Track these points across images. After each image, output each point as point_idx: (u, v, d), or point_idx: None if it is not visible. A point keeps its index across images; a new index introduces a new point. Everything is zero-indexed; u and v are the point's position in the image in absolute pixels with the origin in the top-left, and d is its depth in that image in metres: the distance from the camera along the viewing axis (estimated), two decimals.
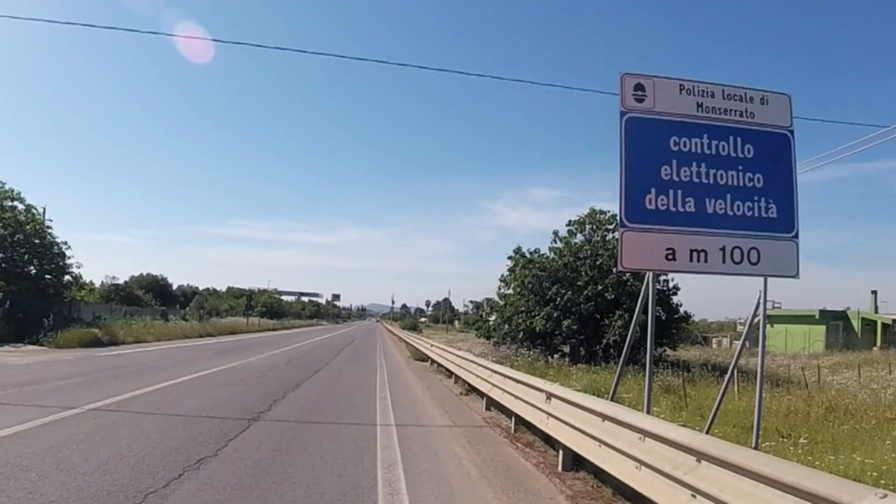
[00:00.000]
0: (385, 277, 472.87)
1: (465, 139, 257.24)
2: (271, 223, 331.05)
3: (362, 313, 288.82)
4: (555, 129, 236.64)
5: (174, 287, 73.64)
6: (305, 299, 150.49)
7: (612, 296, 20.96)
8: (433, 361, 22.00)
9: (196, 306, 64.75)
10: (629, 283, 20.75)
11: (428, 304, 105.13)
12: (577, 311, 21.45)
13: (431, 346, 24.86)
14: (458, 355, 16.87)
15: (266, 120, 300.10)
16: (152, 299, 51.49)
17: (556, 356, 22.85)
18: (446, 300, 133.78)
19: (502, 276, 25.31)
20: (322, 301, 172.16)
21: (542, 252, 24.25)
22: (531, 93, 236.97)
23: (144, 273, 66.14)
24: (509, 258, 24.67)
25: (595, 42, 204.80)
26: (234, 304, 78.99)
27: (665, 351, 21.87)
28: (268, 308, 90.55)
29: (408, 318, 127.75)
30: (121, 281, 52.44)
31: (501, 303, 25.57)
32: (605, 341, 20.53)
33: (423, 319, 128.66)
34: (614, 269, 19.76)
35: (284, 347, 30.90)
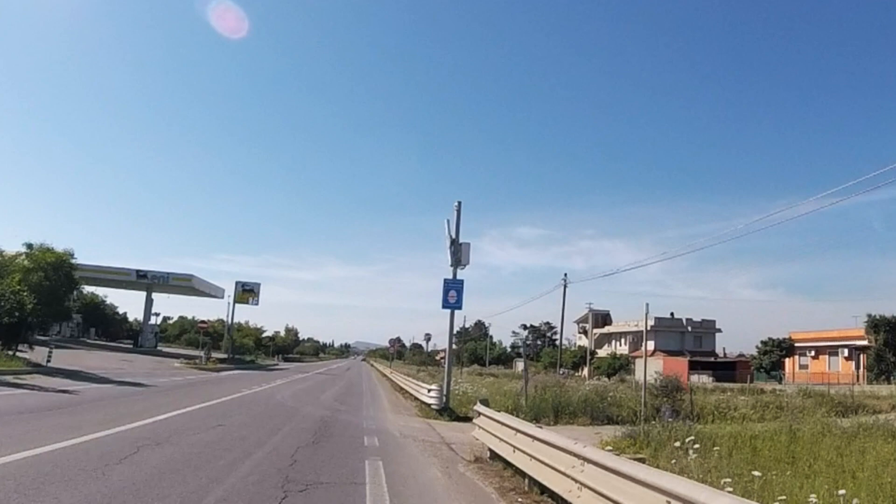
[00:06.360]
0: (371, 315, 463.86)
1: (450, 173, 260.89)
2: (257, 259, 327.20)
3: (345, 349, 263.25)
4: (540, 168, 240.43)
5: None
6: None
7: None
8: None
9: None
10: None
11: (428, 337, 73.80)
12: None
13: None
14: None
15: (255, 152, 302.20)
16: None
17: None
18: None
19: None
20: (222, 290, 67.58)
21: None
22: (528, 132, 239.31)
23: None
24: None
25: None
26: None
27: None
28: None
29: (417, 356, 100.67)
30: None
31: None
32: None
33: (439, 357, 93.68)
34: None
35: None
